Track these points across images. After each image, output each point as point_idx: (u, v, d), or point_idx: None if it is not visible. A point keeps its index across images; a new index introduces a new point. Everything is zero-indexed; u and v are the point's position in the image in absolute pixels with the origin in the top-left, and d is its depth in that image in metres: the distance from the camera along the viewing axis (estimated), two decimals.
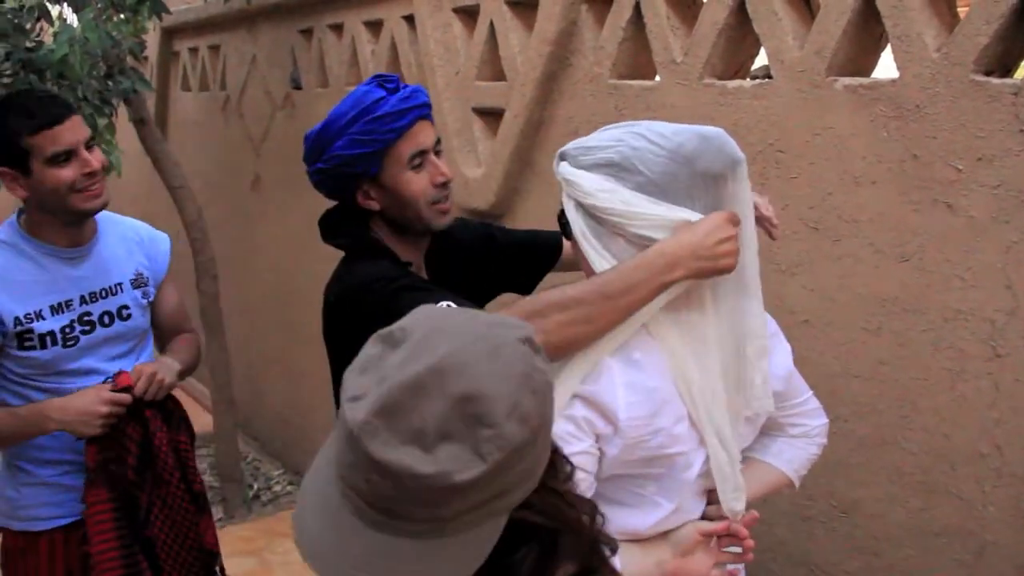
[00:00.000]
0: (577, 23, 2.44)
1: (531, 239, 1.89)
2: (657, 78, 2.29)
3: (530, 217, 2.63)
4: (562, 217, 1.35)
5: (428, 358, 0.78)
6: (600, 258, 1.27)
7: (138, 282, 2.09)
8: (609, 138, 1.30)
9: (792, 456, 1.52)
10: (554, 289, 1.27)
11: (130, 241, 2.12)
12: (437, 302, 1.37)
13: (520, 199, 2.73)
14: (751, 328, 1.32)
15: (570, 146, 1.34)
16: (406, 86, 1.58)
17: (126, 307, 2.06)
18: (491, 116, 2.82)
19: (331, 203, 1.72)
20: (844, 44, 1.86)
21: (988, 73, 1.68)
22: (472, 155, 2.87)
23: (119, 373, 1.95)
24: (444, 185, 1.60)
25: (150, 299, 2.13)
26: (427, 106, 1.58)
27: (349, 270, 1.64)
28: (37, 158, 1.83)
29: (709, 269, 1.23)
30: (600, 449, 1.20)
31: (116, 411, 1.90)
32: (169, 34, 4.96)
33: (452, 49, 2.90)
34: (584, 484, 1.18)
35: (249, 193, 4.37)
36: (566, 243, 1.82)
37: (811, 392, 1.52)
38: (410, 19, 3.09)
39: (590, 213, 1.27)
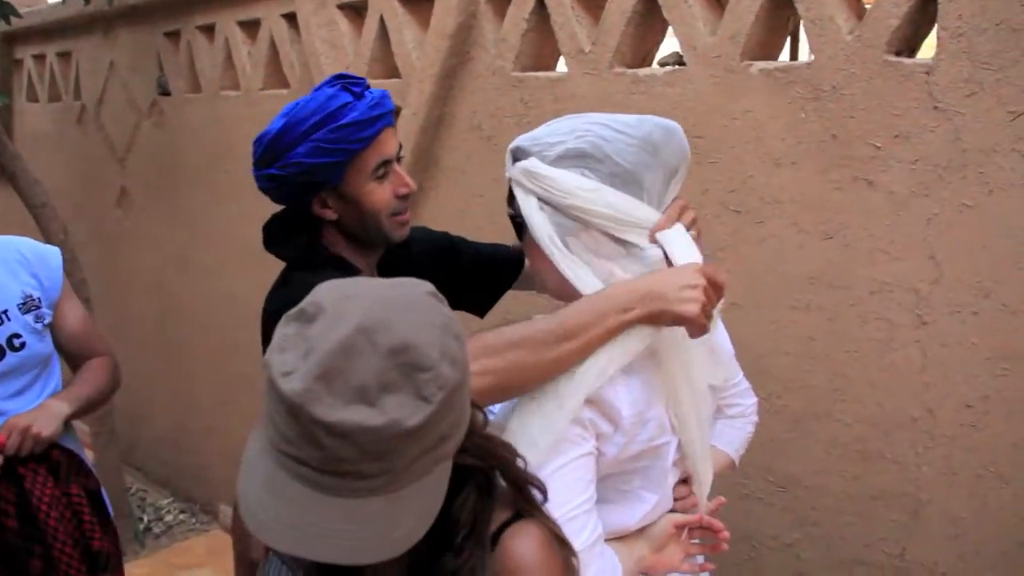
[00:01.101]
0: (476, 16, 2.40)
1: (492, 254, 1.80)
2: (564, 69, 2.27)
3: (436, 216, 2.56)
4: (516, 217, 1.30)
5: (350, 321, 0.81)
6: (571, 263, 1.21)
7: (28, 306, 1.87)
8: (569, 129, 1.24)
9: (732, 437, 1.54)
10: (509, 327, 1.19)
11: (11, 262, 1.90)
12: None
13: (424, 198, 2.65)
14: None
15: (523, 142, 1.28)
16: (371, 91, 1.48)
17: (17, 335, 1.84)
18: None
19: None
20: (757, 29, 1.89)
21: (898, 53, 1.75)
22: None
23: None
24: (406, 197, 1.53)
25: (46, 322, 1.91)
26: (392, 112, 1.50)
27: (290, 279, 1.54)
28: None
29: (669, 314, 1.16)
30: (598, 450, 1.16)
31: None
32: (9, 40, 4.58)
33: (339, 47, 2.79)
34: (591, 489, 1.14)
35: (115, 209, 4.08)
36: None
37: (742, 372, 1.55)
38: (290, 17, 2.96)
39: (562, 212, 1.20)
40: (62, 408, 1.85)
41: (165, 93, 3.64)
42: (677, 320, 1.17)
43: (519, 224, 1.28)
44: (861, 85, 1.76)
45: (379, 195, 1.49)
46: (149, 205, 3.91)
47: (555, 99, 2.25)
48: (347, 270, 1.51)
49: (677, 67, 2.05)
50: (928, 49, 1.77)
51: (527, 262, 1.74)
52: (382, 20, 2.62)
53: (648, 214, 1.22)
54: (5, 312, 1.84)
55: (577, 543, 1.04)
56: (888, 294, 1.79)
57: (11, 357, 1.83)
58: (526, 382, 1.16)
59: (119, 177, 4.03)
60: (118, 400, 4.02)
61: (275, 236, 1.58)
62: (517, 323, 1.18)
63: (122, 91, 3.88)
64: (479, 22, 2.39)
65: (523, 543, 0.95)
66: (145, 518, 3.95)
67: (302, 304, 0.85)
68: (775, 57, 1.99)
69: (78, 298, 3.42)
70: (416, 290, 0.89)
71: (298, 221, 1.55)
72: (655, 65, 2.16)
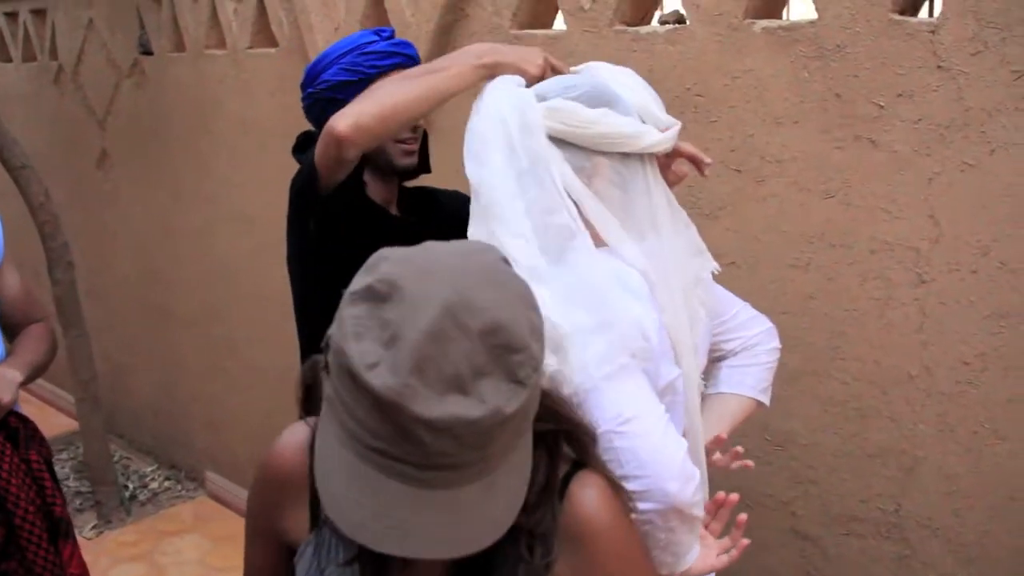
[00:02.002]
0: None
1: None
2: (562, 26, 2.25)
3: (432, 174, 2.54)
4: None
5: (434, 302, 0.76)
6: (595, 201, 1.28)
7: None
8: (576, 82, 1.36)
9: (741, 378, 1.56)
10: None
11: None
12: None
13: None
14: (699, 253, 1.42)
15: (538, 90, 1.34)
16: (398, 38, 1.79)
17: None
18: None
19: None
20: None
21: (902, 12, 1.75)
22: None
23: None
24: (413, 128, 1.77)
25: None
26: (412, 58, 1.77)
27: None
28: None
29: (511, 66, 1.41)
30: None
31: None
32: None
33: (330, 4, 2.74)
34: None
35: (95, 171, 4.01)
36: None
37: (743, 304, 1.57)
38: None
39: (583, 148, 1.28)
40: (16, 375, 1.81)
41: (147, 52, 3.57)
42: (518, 71, 1.41)
43: None
44: (865, 44, 1.75)
45: None
46: (131, 167, 3.84)
47: (554, 56, 2.23)
48: (359, 182, 1.72)
49: (678, 25, 2.04)
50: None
51: None
52: None
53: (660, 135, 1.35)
54: None
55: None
56: (888, 253, 1.81)
57: None
58: (401, 105, 1.43)
59: (99, 139, 3.95)
60: (100, 366, 3.99)
61: (301, 145, 1.87)
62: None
63: (101, 50, 3.80)
64: None
65: (590, 493, 0.95)
66: (130, 486, 3.92)
67: (369, 281, 0.79)
68: (777, 16, 1.98)
69: (62, 262, 3.40)
70: (489, 256, 0.84)
71: (315, 137, 1.75)
72: (655, 23, 2.15)
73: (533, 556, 0.91)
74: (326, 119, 1.64)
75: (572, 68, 1.47)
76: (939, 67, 1.68)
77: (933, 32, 1.68)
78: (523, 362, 0.77)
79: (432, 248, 0.84)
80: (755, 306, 1.97)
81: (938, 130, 1.70)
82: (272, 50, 3.03)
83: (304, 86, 1.79)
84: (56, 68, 4.10)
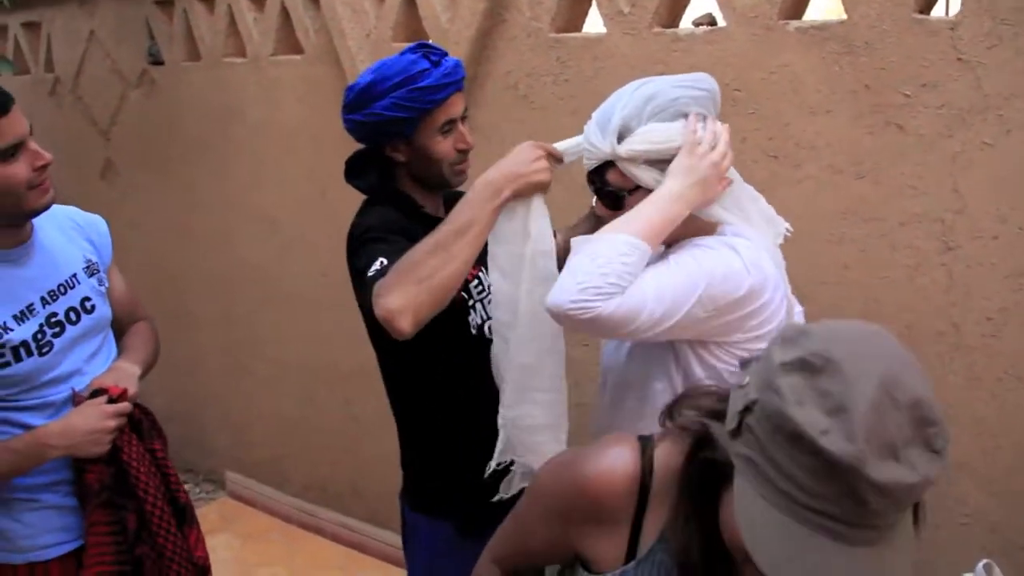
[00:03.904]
0: None
1: None
2: (601, 29, 2.44)
3: (471, 174, 2.70)
4: (615, 189, 1.51)
5: (872, 377, 0.84)
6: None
7: (91, 269, 1.93)
8: (650, 95, 1.48)
9: None
10: (414, 248, 1.49)
11: (67, 228, 1.94)
12: (384, 251, 1.58)
13: None
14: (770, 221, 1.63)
15: (625, 120, 1.47)
16: (447, 59, 1.76)
17: (88, 298, 1.89)
18: None
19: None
20: None
21: (922, 11, 1.98)
22: None
23: (99, 388, 1.80)
24: (465, 151, 1.82)
25: (106, 285, 1.97)
26: (462, 79, 1.78)
27: (364, 213, 1.82)
28: None
29: (527, 186, 1.51)
30: None
31: (122, 424, 1.79)
32: None
33: (360, 11, 2.88)
34: None
35: (99, 181, 4.06)
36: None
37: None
38: None
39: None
40: (135, 368, 1.91)
41: (157, 62, 3.64)
42: (536, 188, 1.52)
43: (614, 194, 1.52)
44: (891, 40, 1.98)
45: (443, 147, 1.78)
46: (139, 176, 3.90)
47: (594, 58, 2.42)
48: (415, 207, 1.81)
49: (715, 27, 2.24)
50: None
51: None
52: None
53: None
54: (74, 276, 1.88)
55: None
56: (917, 224, 2.04)
57: (86, 319, 1.88)
58: (450, 284, 1.46)
59: (102, 150, 4.00)
60: None
61: (354, 170, 1.87)
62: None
63: (104, 62, 3.85)
64: None
65: None
66: None
67: (801, 354, 0.87)
68: (802, 16, 2.20)
69: None
70: (890, 337, 0.91)
71: (373, 159, 1.84)
72: (689, 25, 2.35)
73: None
74: (378, 142, 1.80)
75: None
76: (959, 59, 1.92)
77: (953, 28, 1.91)
78: (938, 433, 0.85)
79: (839, 326, 0.92)
80: (796, 279, 2.18)
81: (960, 115, 1.94)
82: (297, 57, 3.15)
83: (351, 108, 1.76)
84: (52, 80, 4.13)
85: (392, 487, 3.21)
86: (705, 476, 0.99)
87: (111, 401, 1.77)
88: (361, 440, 3.36)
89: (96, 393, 1.79)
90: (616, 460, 1.07)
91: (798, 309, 1.57)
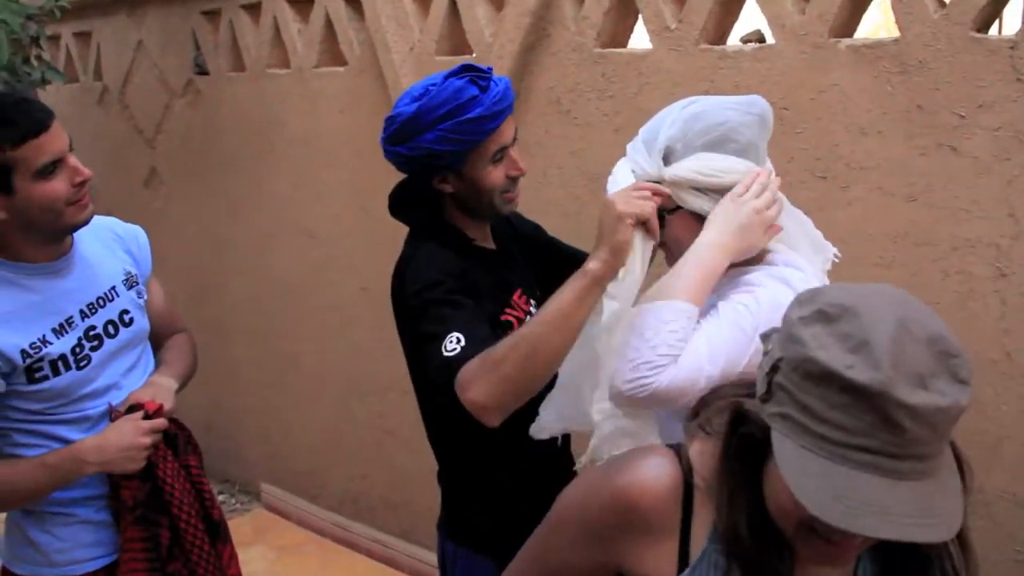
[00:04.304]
0: None
1: (573, 252, 1.95)
2: (648, 45, 2.41)
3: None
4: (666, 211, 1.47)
5: (888, 317, 0.86)
6: None
7: (130, 281, 1.92)
8: (695, 116, 1.43)
9: None
10: (503, 343, 1.43)
11: (107, 239, 1.94)
12: (455, 323, 1.52)
13: None
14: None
15: (671, 142, 1.43)
16: (496, 81, 1.65)
17: (127, 311, 1.88)
18: None
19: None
20: (845, 9, 2.06)
21: (979, 30, 1.93)
22: None
23: (135, 403, 1.80)
24: (517, 178, 1.72)
25: (144, 298, 1.96)
26: (513, 102, 1.67)
27: (415, 250, 1.72)
28: (23, 173, 1.62)
29: (622, 246, 1.38)
30: None
31: (157, 440, 1.78)
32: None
33: (404, 25, 2.89)
34: None
35: (143, 190, 4.11)
36: None
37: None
38: None
39: (718, 190, 1.40)
40: (172, 383, 1.91)
41: (203, 72, 3.68)
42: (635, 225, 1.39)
43: (657, 214, 1.45)
44: (947, 60, 1.93)
45: (494, 176, 1.68)
46: (182, 185, 3.94)
47: (639, 74, 2.39)
48: (466, 241, 1.74)
49: (763, 44, 2.20)
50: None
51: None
52: None
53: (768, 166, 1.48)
54: (113, 288, 1.88)
55: None
56: (970, 250, 1.98)
57: (124, 332, 1.87)
58: (540, 378, 1.42)
59: (147, 158, 4.05)
60: None
61: (399, 204, 1.79)
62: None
63: (150, 71, 3.90)
64: (557, 0, 2.52)
65: None
66: None
67: (818, 306, 0.90)
68: (852, 34, 2.16)
69: None
70: (899, 290, 0.93)
71: (419, 192, 1.74)
72: (737, 42, 2.32)
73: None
74: (423, 173, 1.70)
75: None
76: (1018, 80, 1.86)
77: (1013, 48, 1.86)
78: (962, 364, 0.87)
79: (849, 284, 0.95)
80: None
81: (1017, 137, 1.88)
82: (340, 69, 3.16)
83: (394, 141, 1.66)
84: (100, 89, 4.19)
85: (425, 503, 3.20)
86: (744, 451, 0.99)
87: (147, 417, 1.76)
88: (395, 455, 3.35)
89: (132, 409, 1.78)
90: (654, 467, 1.05)
91: None
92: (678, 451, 1.07)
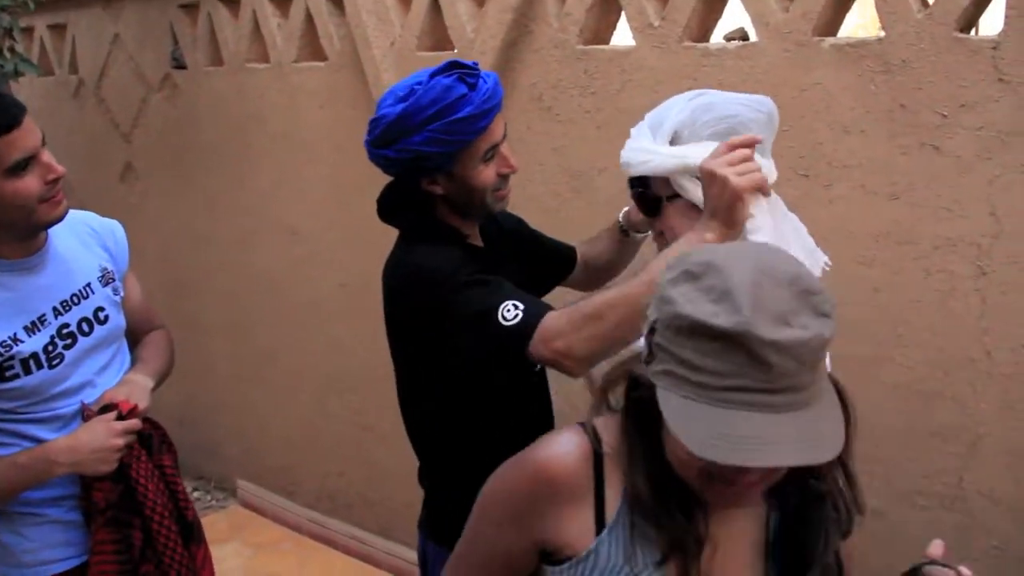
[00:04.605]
0: None
1: (556, 246, 1.97)
2: (630, 42, 2.40)
3: None
4: (654, 196, 1.49)
5: (747, 266, 0.93)
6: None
7: (106, 278, 1.88)
8: (706, 106, 1.45)
9: None
10: (597, 297, 1.44)
11: (83, 234, 1.89)
12: (498, 295, 1.50)
13: None
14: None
15: (679, 127, 1.44)
16: (484, 77, 1.60)
17: (101, 308, 1.84)
18: None
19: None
20: (829, 7, 2.06)
21: (961, 30, 1.94)
22: None
23: (109, 403, 1.76)
24: (508, 176, 1.68)
25: (121, 294, 1.91)
26: (502, 98, 1.62)
27: (410, 252, 1.67)
28: None
29: (739, 210, 1.37)
30: None
31: (131, 441, 1.75)
32: None
33: (386, 20, 2.86)
34: None
35: (119, 184, 4.05)
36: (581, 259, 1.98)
37: None
38: None
39: None
40: (148, 381, 1.87)
41: (180, 67, 3.63)
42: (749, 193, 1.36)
43: (652, 201, 1.50)
44: (930, 59, 1.94)
45: (486, 175, 1.64)
46: (159, 180, 3.89)
47: (622, 71, 2.39)
48: (460, 239, 1.70)
49: (747, 42, 2.20)
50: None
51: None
52: None
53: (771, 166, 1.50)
54: (88, 285, 1.84)
55: None
56: (951, 249, 1.99)
57: (99, 330, 1.84)
58: (628, 336, 1.36)
59: (123, 152, 4.00)
60: None
61: (388, 208, 1.74)
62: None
63: (126, 65, 3.85)
64: None
65: None
66: None
67: (684, 267, 0.96)
68: (836, 33, 2.16)
69: None
70: (761, 244, 1.02)
71: (408, 195, 1.70)
72: (720, 39, 2.32)
73: (840, 513, 1.08)
74: (411, 175, 1.65)
75: None
76: (1000, 79, 1.87)
77: (995, 48, 1.87)
78: (823, 300, 0.93)
79: (716, 246, 1.02)
80: None
81: (999, 136, 1.89)
82: (321, 63, 3.13)
83: (380, 143, 1.61)
84: (76, 82, 4.13)
85: (403, 499, 3.18)
86: (639, 413, 1.04)
87: (120, 418, 1.73)
88: (373, 451, 3.32)
89: (106, 408, 1.75)
90: (564, 441, 1.12)
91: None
92: (584, 424, 1.14)
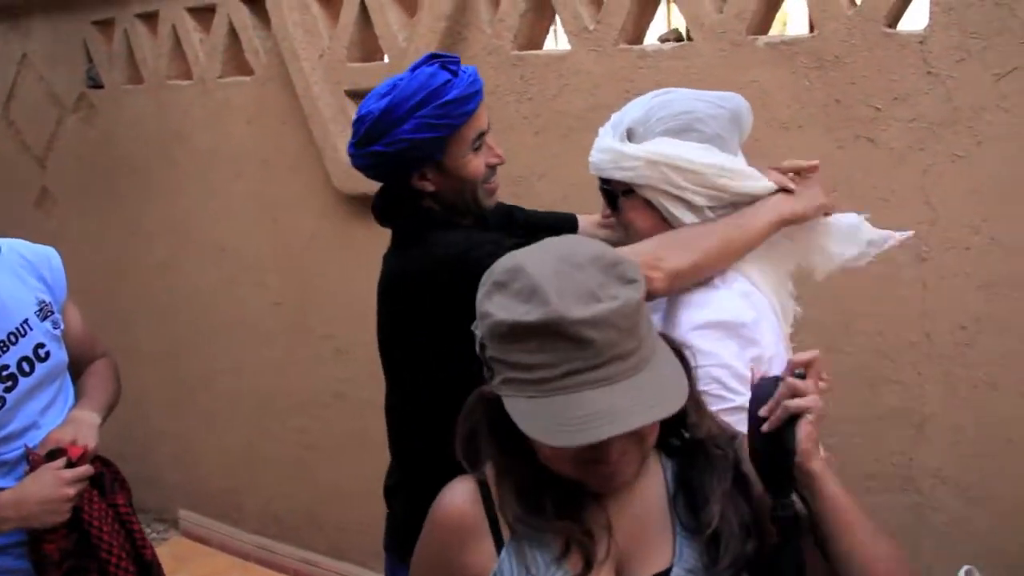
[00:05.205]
0: None
1: (553, 220, 1.93)
2: (566, 46, 2.41)
3: None
4: (605, 187, 1.54)
5: (548, 258, 0.99)
6: (686, 212, 1.48)
7: (44, 311, 1.78)
8: (664, 103, 1.50)
9: None
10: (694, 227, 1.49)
11: (15, 266, 1.79)
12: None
13: None
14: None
15: (634, 124, 1.48)
16: (464, 67, 1.60)
17: (42, 345, 1.75)
18: None
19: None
20: (762, 7, 2.11)
21: (890, 26, 2.00)
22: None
23: (57, 448, 1.68)
24: (495, 167, 1.67)
25: (61, 328, 1.82)
26: (483, 88, 1.61)
27: (430, 242, 1.59)
28: None
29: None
30: None
31: (82, 489, 1.67)
32: None
33: (313, 31, 2.81)
34: None
35: (35, 211, 3.88)
36: (585, 222, 1.92)
37: None
38: (251, 3, 2.95)
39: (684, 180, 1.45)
40: (95, 417, 1.80)
41: (97, 86, 3.50)
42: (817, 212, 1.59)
43: (612, 195, 1.53)
44: (862, 54, 2.00)
45: (475, 165, 1.62)
46: (78, 204, 3.74)
47: (559, 76, 2.39)
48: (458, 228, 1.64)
49: (683, 43, 2.23)
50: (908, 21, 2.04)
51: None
52: (362, 3, 2.67)
53: (741, 162, 1.53)
54: (26, 322, 1.74)
55: None
56: None
57: (40, 368, 1.75)
58: (714, 258, 1.46)
59: (38, 177, 3.83)
60: None
61: (386, 211, 1.70)
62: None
63: (37, 85, 3.69)
64: (472, 3, 2.49)
65: None
66: None
67: (492, 279, 1.01)
68: (767, 31, 2.21)
69: None
70: (564, 236, 1.08)
71: (400, 196, 1.66)
72: (655, 41, 2.34)
73: (722, 450, 1.13)
74: (402, 174, 1.61)
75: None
76: (929, 72, 1.94)
77: (922, 42, 1.93)
78: (626, 267, 0.99)
79: (517, 250, 1.06)
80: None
81: (930, 128, 1.96)
82: (246, 78, 3.05)
83: (367, 141, 1.57)
84: None
85: (353, 518, 3.12)
86: (504, 431, 1.06)
87: (70, 464, 1.64)
88: (319, 471, 3.26)
89: (53, 454, 1.66)
90: (453, 486, 1.18)
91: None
92: (471, 463, 1.17)
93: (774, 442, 1.09)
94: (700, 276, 1.45)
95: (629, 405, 0.95)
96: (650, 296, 1.41)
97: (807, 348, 2.10)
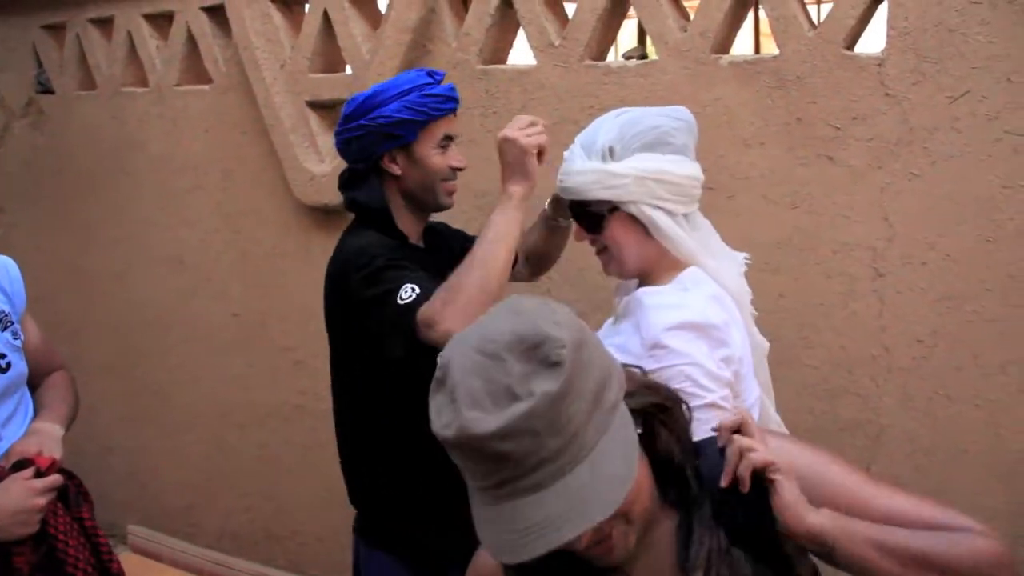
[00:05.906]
0: (435, 11, 2.50)
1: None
2: (531, 61, 2.43)
3: None
4: (595, 209, 1.56)
5: (466, 353, 0.91)
6: (684, 235, 1.55)
7: (3, 322, 1.74)
8: (635, 121, 1.56)
9: None
10: (456, 272, 1.65)
11: None
12: (404, 278, 1.66)
13: None
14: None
15: (614, 143, 1.53)
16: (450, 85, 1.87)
17: (2, 356, 1.72)
18: (329, 109, 2.76)
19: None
20: (725, 26, 2.15)
21: (849, 48, 2.05)
22: (312, 150, 2.79)
23: (22, 458, 1.65)
24: (456, 171, 1.88)
25: (21, 339, 1.79)
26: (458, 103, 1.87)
27: (341, 245, 1.87)
28: None
29: (528, 160, 1.69)
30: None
31: (51, 499, 1.64)
32: None
33: (275, 41, 2.79)
34: None
35: None
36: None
37: None
38: (208, 10, 2.91)
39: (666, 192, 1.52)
40: (58, 429, 1.77)
41: (47, 91, 3.42)
42: (534, 151, 1.71)
43: (595, 216, 1.56)
44: (822, 75, 2.05)
45: (439, 161, 1.85)
46: (27, 213, 3.65)
47: (523, 90, 2.41)
48: (402, 238, 1.85)
49: (647, 60, 2.27)
50: (865, 43, 2.10)
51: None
52: (325, 14, 2.65)
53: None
54: None
55: None
56: (849, 252, 2.10)
57: (1, 380, 1.71)
58: (495, 289, 1.61)
59: None
60: None
61: (348, 182, 1.89)
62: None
63: None
64: (438, 16, 2.50)
65: None
66: None
67: (436, 373, 0.94)
68: (729, 50, 2.25)
69: None
70: (512, 298, 1.00)
71: (367, 174, 1.85)
72: (619, 58, 2.37)
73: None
74: (376, 152, 1.81)
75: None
76: (886, 94, 2.00)
77: (880, 65, 1.99)
78: (550, 348, 0.88)
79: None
80: None
81: (887, 147, 2.02)
82: (205, 87, 3.01)
83: (355, 116, 1.80)
84: None
85: (313, 532, 3.09)
86: None
87: (39, 474, 1.61)
88: (278, 485, 3.21)
89: (19, 465, 1.63)
90: (477, 556, 1.17)
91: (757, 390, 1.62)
92: None
93: (754, 515, 1.02)
94: (489, 296, 1.56)
95: (563, 511, 0.88)
96: (436, 345, 1.48)
97: (768, 360, 2.16)
